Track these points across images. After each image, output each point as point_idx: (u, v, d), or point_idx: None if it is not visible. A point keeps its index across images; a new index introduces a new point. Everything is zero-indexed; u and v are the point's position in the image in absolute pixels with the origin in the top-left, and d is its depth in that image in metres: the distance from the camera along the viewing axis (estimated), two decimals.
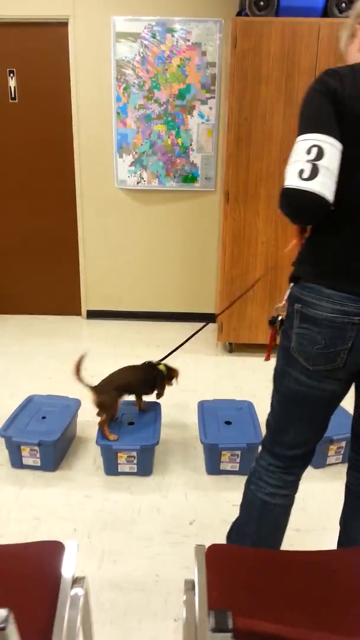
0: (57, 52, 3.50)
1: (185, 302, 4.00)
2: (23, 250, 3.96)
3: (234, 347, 3.55)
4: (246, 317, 3.36)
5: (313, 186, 1.13)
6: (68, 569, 1.21)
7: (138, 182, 3.66)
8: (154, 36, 3.36)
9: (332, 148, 1.14)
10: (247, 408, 2.47)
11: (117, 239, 3.85)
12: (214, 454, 2.23)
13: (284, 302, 1.40)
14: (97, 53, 3.44)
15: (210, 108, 3.50)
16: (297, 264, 1.33)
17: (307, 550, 1.27)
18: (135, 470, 2.25)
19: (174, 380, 2.46)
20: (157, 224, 3.79)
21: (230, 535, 1.64)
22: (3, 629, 0.66)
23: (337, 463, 2.37)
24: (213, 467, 2.27)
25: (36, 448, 2.24)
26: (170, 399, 2.90)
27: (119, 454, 2.21)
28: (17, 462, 2.29)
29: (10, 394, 2.94)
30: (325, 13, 2.88)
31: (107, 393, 2.27)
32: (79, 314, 4.11)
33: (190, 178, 3.64)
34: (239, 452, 2.23)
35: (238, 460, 2.25)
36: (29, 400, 2.51)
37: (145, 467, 2.25)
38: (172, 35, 3.36)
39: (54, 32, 3.46)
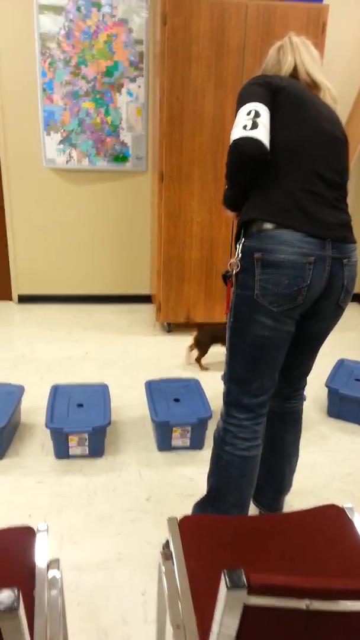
0: None
1: (120, 283, 3.98)
2: None
3: (173, 327, 3.59)
4: (183, 296, 3.40)
5: (255, 134, 1.40)
6: (42, 553, 1.20)
7: (67, 161, 3.56)
8: (79, 10, 3.25)
9: (265, 111, 1.44)
10: (193, 385, 2.53)
11: (48, 220, 3.74)
12: (165, 431, 2.27)
13: (236, 258, 1.52)
14: (20, 25, 3.28)
15: (139, 86, 3.46)
16: (246, 213, 1.50)
17: (271, 514, 1.35)
18: (87, 453, 2.24)
19: None
20: (89, 204, 3.72)
21: (200, 507, 1.73)
22: (16, 608, 0.65)
23: None
24: (164, 444, 2.31)
25: None
26: (115, 380, 2.90)
27: (70, 437, 2.19)
28: None
29: None
30: None
31: (205, 336, 2.91)
32: (9, 299, 3.97)
33: (121, 158, 3.59)
34: (189, 428, 2.28)
35: (189, 435, 2.30)
36: None
37: (96, 449, 2.24)
38: (98, 10, 3.27)
39: None
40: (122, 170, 3.65)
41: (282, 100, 1.48)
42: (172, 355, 3.24)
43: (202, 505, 1.75)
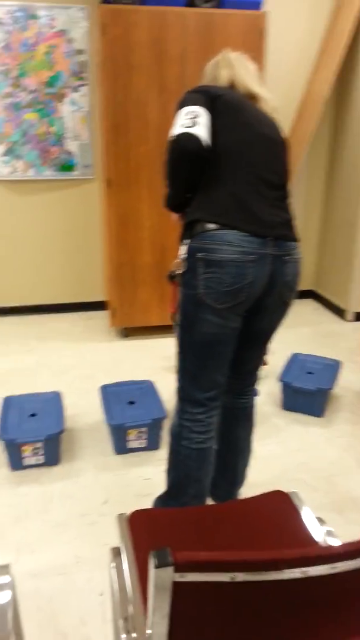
0: None
1: (73, 291, 3.97)
2: None
3: (129, 332, 3.61)
4: (137, 301, 3.43)
5: (195, 131, 1.46)
6: None
7: (12, 172, 3.54)
8: (16, 22, 3.25)
9: (204, 113, 1.50)
10: (148, 387, 2.55)
11: None
12: (120, 434, 2.28)
13: (180, 258, 1.55)
14: None
15: (83, 95, 3.48)
16: (190, 214, 1.55)
17: (218, 504, 1.39)
18: (43, 461, 2.23)
19: None
20: (37, 214, 3.71)
21: (161, 502, 1.78)
22: None
23: None
24: (121, 447, 2.32)
25: None
26: (70, 388, 2.90)
27: (23, 447, 2.18)
28: None
29: None
30: (190, 3, 2.99)
31: None
32: None
33: (67, 166, 3.60)
34: (145, 429, 2.30)
35: (145, 437, 2.32)
36: None
37: (52, 457, 2.24)
38: (36, 22, 3.28)
39: None
40: (70, 179, 3.65)
41: (221, 106, 1.54)
42: (128, 360, 3.25)
43: (162, 500, 1.78)
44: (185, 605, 0.75)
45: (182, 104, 1.54)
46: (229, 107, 1.54)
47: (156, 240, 3.31)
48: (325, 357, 2.91)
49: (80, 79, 3.44)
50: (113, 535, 1.88)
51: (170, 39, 2.96)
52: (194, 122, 1.48)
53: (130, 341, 3.53)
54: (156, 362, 3.23)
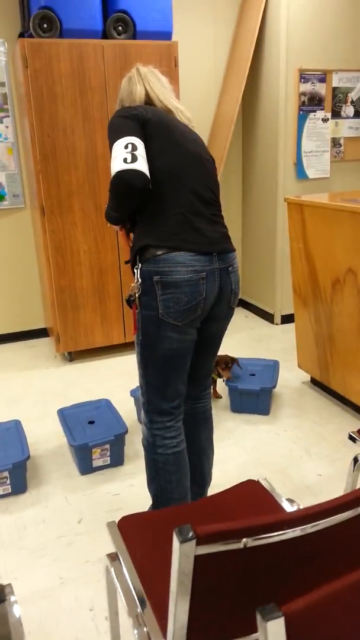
0: None
1: (13, 320, 3.95)
2: None
3: (74, 355, 3.64)
4: (80, 324, 3.48)
5: (137, 166, 1.53)
6: None
7: None
8: None
9: (140, 144, 1.57)
10: (105, 405, 2.62)
11: None
12: (85, 453, 2.33)
13: (136, 283, 1.64)
14: None
15: (7, 127, 3.52)
16: (139, 241, 1.62)
17: (202, 498, 1.49)
18: (10, 491, 2.24)
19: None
20: None
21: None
22: (3, 600, 0.73)
23: None
24: (86, 467, 2.37)
25: None
26: (25, 416, 2.89)
27: None
28: None
29: None
30: (105, 35, 3.14)
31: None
32: None
33: None
34: (108, 446, 2.36)
35: (108, 454, 2.38)
36: None
37: (18, 485, 2.25)
38: None
39: None
40: (0, 209, 3.66)
41: (151, 130, 1.61)
42: (78, 382, 3.29)
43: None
44: (205, 576, 0.85)
45: (115, 131, 1.59)
46: (159, 129, 1.62)
47: (93, 263, 3.39)
48: (263, 359, 3.10)
49: (3, 110, 3.48)
50: (93, 552, 1.93)
51: (91, 69, 3.08)
52: (133, 155, 1.53)
53: (77, 364, 3.57)
54: (106, 381, 3.29)
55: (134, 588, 1.21)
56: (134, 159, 1.53)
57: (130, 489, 2.28)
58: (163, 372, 1.70)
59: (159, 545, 1.31)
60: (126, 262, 1.78)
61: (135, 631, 1.13)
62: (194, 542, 0.80)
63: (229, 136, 3.74)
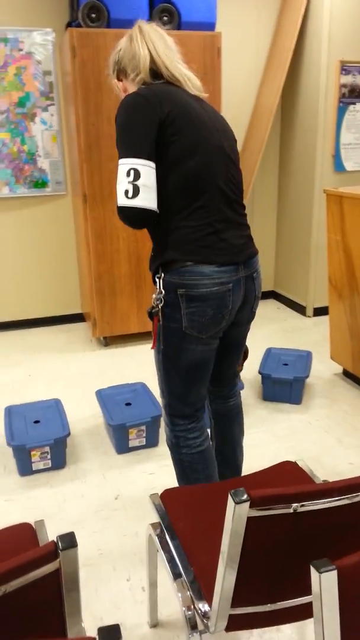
0: None
1: (51, 305, 4.06)
2: None
3: (109, 340, 3.73)
4: (117, 309, 3.56)
5: (137, 203, 1.40)
6: (46, 539, 1.32)
7: None
8: None
9: (146, 169, 1.42)
10: (141, 388, 2.69)
11: None
12: (122, 433, 2.41)
13: (159, 294, 1.54)
14: None
15: (52, 115, 3.60)
16: (163, 252, 1.51)
17: (238, 477, 1.55)
18: (50, 465, 2.33)
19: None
20: (13, 230, 3.79)
21: None
22: (75, 545, 0.79)
23: None
24: (122, 446, 2.45)
25: None
26: (63, 396, 2.99)
27: (32, 452, 2.27)
28: None
29: None
30: None
31: None
32: None
33: (40, 183, 3.71)
34: (144, 427, 2.44)
35: (144, 435, 2.46)
36: None
37: (59, 460, 2.34)
38: (5, 45, 3.39)
39: None
40: (43, 195, 3.76)
41: (171, 130, 1.44)
42: (113, 367, 3.38)
43: None
44: (255, 538, 0.91)
45: (123, 142, 1.43)
46: (181, 128, 1.45)
47: (131, 250, 3.46)
48: (297, 349, 3.13)
49: (49, 99, 3.57)
50: (130, 527, 2.01)
51: None
52: (134, 187, 1.39)
53: (112, 349, 3.65)
54: (140, 367, 3.36)
55: (178, 555, 1.28)
56: (135, 192, 1.39)
57: (164, 469, 2.35)
58: (186, 380, 1.65)
59: (201, 517, 1.37)
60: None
61: (180, 595, 1.20)
62: (247, 504, 0.85)
63: (268, 128, 3.76)
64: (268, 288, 4.61)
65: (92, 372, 3.31)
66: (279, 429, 2.65)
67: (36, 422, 2.42)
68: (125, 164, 1.41)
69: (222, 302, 1.53)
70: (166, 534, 1.34)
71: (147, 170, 1.41)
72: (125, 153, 1.42)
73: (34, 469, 2.32)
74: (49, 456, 2.31)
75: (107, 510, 2.11)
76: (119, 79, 1.64)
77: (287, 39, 3.72)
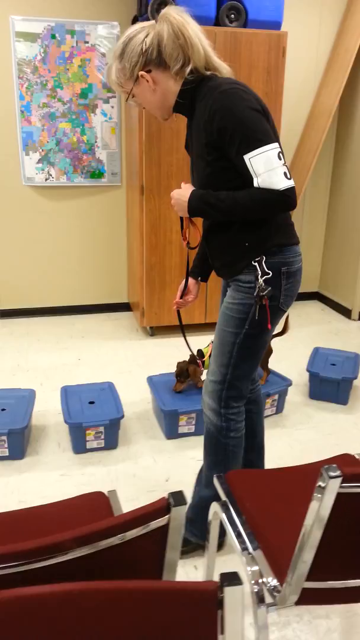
0: None
1: (99, 293, 4.16)
2: None
3: (155, 330, 3.81)
4: (165, 300, 3.63)
5: (294, 183, 1.48)
6: (120, 510, 1.40)
7: (47, 179, 3.73)
8: (53, 37, 3.45)
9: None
10: None
11: (28, 236, 3.88)
12: (173, 419, 2.48)
13: (262, 277, 1.57)
14: None
15: (112, 107, 3.69)
16: (263, 241, 1.57)
17: (302, 464, 1.60)
18: (103, 445, 2.42)
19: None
20: (67, 219, 3.89)
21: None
22: (184, 503, 0.85)
23: (272, 414, 2.76)
24: (172, 432, 2.51)
25: (4, 438, 2.30)
26: (111, 380, 3.08)
27: (88, 431, 2.36)
28: None
29: None
30: (217, 22, 3.23)
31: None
32: None
33: (97, 174, 3.80)
34: (194, 415, 2.50)
35: (194, 422, 2.52)
36: None
37: (111, 441, 2.42)
38: (72, 37, 3.48)
39: None
40: (99, 186, 3.85)
41: (270, 124, 1.52)
42: (159, 356, 3.45)
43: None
44: (341, 514, 0.96)
45: (257, 130, 1.42)
46: (271, 121, 1.53)
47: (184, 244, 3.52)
48: (344, 351, 3.14)
49: (110, 91, 3.65)
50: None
51: None
52: (288, 168, 1.48)
53: (157, 339, 3.73)
54: (186, 357, 3.42)
55: (245, 531, 1.33)
56: (290, 173, 1.47)
57: None
58: (257, 357, 1.71)
59: (268, 498, 1.42)
60: (190, 248, 1.77)
61: (248, 568, 1.25)
62: (339, 480, 0.90)
63: (326, 129, 3.76)
64: (312, 289, 4.62)
65: (138, 360, 3.39)
66: (325, 427, 2.68)
67: (91, 402, 2.50)
68: (274, 149, 1.43)
69: (301, 276, 1.68)
70: (233, 511, 1.40)
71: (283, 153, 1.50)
72: (267, 139, 1.43)
73: (87, 448, 2.40)
74: (102, 436, 2.39)
75: (159, 490, 2.18)
76: (145, 71, 1.50)
77: (351, 41, 3.72)
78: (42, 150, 3.65)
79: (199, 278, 1.96)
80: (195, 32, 1.47)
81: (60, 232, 3.92)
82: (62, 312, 4.14)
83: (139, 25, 1.50)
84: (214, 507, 1.47)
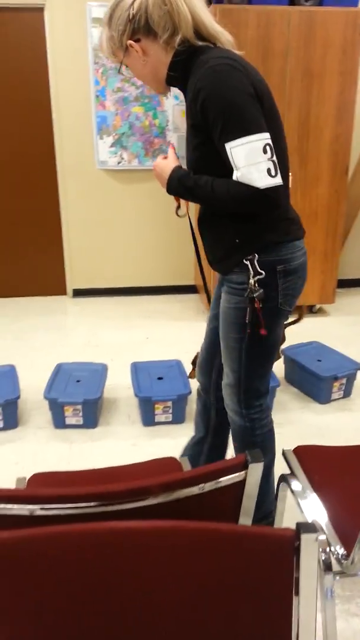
0: (34, 37, 3.58)
1: (167, 275, 4.25)
2: (5, 234, 4.03)
3: None
4: None
5: (280, 180, 1.32)
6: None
7: (119, 163, 3.83)
8: None
9: (271, 143, 1.32)
10: None
11: (100, 218, 4.02)
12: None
13: (254, 277, 1.46)
14: (74, 38, 3.56)
15: None
16: (255, 237, 1.45)
17: None
18: (170, 419, 2.51)
19: None
20: (138, 202, 3.99)
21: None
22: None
23: (339, 398, 2.75)
24: None
25: (79, 407, 2.44)
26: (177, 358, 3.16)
27: (156, 405, 2.46)
28: (60, 422, 2.47)
29: (28, 365, 3.09)
30: (292, 2, 3.19)
31: None
32: (64, 293, 4.24)
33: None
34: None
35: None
36: (59, 368, 2.68)
37: (179, 416, 2.51)
38: None
39: (30, 17, 3.53)
40: None
41: (267, 107, 1.36)
42: None
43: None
44: None
45: (243, 118, 1.27)
46: (269, 107, 1.37)
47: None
48: None
49: None
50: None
51: (275, 35, 3.16)
52: (275, 165, 1.29)
53: None
54: None
55: (313, 501, 1.37)
56: (276, 170, 1.30)
57: (278, 437, 2.43)
58: (269, 358, 1.63)
59: (336, 472, 1.45)
60: (179, 215, 1.68)
61: (317, 537, 1.29)
62: None
63: None
64: None
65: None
66: None
67: (159, 378, 2.60)
68: (259, 140, 1.27)
69: (305, 272, 1.56)
70: (301, 482, 1.44)
71: (272, 145, 1.31)
72: (254, 127, 1.27)
73: (156, 421, 2.50)
74: (170, 410, 2.48)
75: None
76: (134, 40, 1.38)
77: None
78: (116, 134, 3.76)
79: None
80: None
81: (130, 215, 4.03)
82: (131, 293, 4.26)
83: None
84: (283, 478, 1.52)
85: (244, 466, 0.89)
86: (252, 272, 1.45)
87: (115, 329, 3.64)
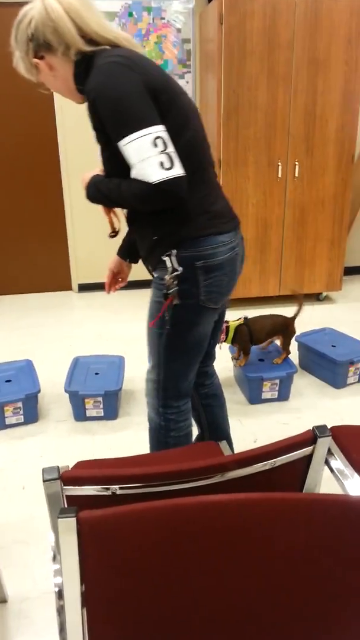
0: None
1: None
2: (10, 229, 4.02)
3: (230, 303, 3.87)
4: (241, 274, 3.68)
5: (178, 172, 1.27)
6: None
7: None
8: (130, 15, 3.52)
9: (167, 134, 1.28)
10: (274, 348, 2.81)
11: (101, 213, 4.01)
12: (257, 385, 2.56)
13: (171, 273, 1.43)
14: None
15: (187, 82, 3.73)
16: (173, 232, 1.43)
17: None
18: None
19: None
20: None
21: None
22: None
23: (354, 383, 2.79)
24: (256, 397, 2.60)
25: (100, 399, 2.45)
26: None
27: None
28: (80, 415, 2.49)
29: (41, 360, 3.09)
30: None
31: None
32: (69, 288, 4.24)
33: None
34: (277, 381, 2.57)
35: (277, 388, 2.59)
36: (76, 361, 2.69)
37: None
38: (148, 14, 3.54)
39: None
40: None
41: (164, 97, 1.33)
42: None
43: None
44: None
45: (129, 115, 1.24)
46: (168, 96, 1.33)
47: (259, 216, 3.55)
48: None
49: (186, 66, 3.69)
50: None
51: (281, 25, 3.18)
52: (169, 157, 1.26)
53: (233, 311, 3.80)
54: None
55: (354, 478, 1.40)
56: (171, 161, 1.26)
57: (298, 421, 2.48)
58: (191, 357, 1.59)
59: None
60: (112, 236, 1.64)
61: None
62: None
63: None
64: None
65: None
66: None
67: None
68: (147, 135, 1.24)
69: (234, 268, 1.51)
70: (338, 460, 1.46)
71: (168, 136, 1.28)
72: (139, 124, 1.24)
73: None
74: None
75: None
76: (38, 57, 1.39)
77: None
78: None
79: (127, 260, 1.86)
80: (70, 4, 1.31)
81: None
82: (136, 286, 4.27)
83: (29, 4, 1.36)
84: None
85: (312, 441, 0.92)
86: (169, 268, 1.43)
87: (124, 322, 3.65)
